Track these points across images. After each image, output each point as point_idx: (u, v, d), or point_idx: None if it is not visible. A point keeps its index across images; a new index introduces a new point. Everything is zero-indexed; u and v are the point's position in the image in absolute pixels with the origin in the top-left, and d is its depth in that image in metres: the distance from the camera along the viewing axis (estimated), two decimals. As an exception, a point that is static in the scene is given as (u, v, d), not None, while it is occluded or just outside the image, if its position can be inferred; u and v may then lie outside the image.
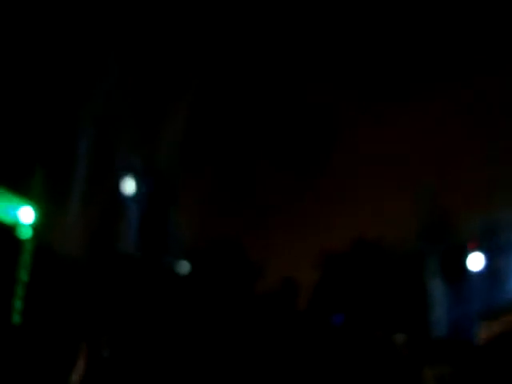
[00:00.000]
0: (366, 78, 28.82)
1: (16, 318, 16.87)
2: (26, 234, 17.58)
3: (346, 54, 29.09)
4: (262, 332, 23.95)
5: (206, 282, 27.66)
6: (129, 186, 24.18)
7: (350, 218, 30.77)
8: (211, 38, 25.95)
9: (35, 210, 17.32)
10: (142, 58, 25.07)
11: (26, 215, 17.33)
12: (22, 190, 17.45)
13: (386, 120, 29.95)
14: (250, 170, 29.27)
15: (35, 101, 22.27)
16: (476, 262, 23.50)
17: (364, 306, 28.69)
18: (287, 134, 29.94)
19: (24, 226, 17.49)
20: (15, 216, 17.43)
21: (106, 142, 23.79)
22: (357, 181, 31.98)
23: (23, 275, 17.72)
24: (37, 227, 17.58)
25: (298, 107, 29.78)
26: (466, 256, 23.82)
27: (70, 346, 7.39)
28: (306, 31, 28.78)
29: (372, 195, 30.91)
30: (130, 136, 24.37)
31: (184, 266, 28.51)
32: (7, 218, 17.71)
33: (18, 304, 17.31)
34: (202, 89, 26.38)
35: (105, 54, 23.71)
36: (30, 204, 17.29)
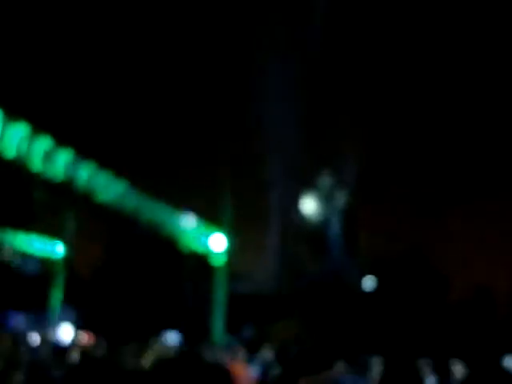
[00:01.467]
0: None
1: (218, 338, 17.42)
2: (218, 261, 18.14)
3: None
4: (453, 341, 22.59)
5: (393, 296, 26.82)
6: (311, 205, 24.18)
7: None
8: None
9: (226, 237, 17.82)
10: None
11: (217, 243, 17.87)
12: (212, 218, 18.10)
13: None
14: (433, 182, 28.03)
15: (223, 135, 23.23)
16: None
17: None
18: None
19: (216, 253, 18.07)
20: (207, 244, 18.09)
21: (288, 164, 24.05)
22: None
23: (219, 299, 18.33)
24: (229, 254, 18.08)
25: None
26: None
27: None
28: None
29: None
30: (315, 155, 24.45)
31: (370, 281, 27.91)
32: (200, 247, 18.48)
33: (218, 325, 17.95)
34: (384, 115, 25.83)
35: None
36: (221, 232, 17.83)
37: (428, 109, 29.43)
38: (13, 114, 11.51)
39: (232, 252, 18.18)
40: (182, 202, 18.22)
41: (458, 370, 9.44)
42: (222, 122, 24.46)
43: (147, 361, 7.65)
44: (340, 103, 26.29)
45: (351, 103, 26.41)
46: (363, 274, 27.42)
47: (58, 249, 20.87)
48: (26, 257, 22.53)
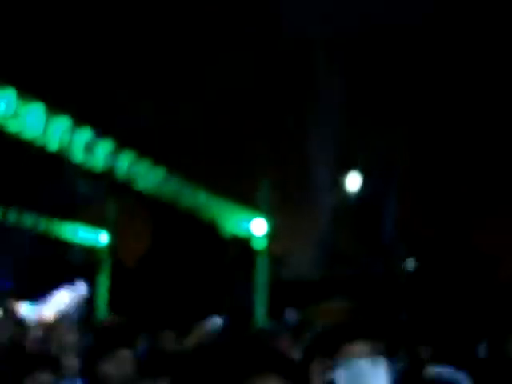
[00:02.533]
0: None
1: (260, 323, 17.55)
2: (259, 245, 18.27)
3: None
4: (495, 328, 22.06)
5: (434, 278, 26.49)
6: (354, 182, 23.71)
7: None
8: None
9: (267, 221, 17.92)
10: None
11: (258, 227, 17.99)
12: (253, 202, 18.19)
13: None
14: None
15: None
16: None
17: None
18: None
19: (257, 237, 18.19)
20: (248, 228, 18.22)
21: (331, 145, 23.68)
22: None
23: (261, 284, 18.46)
24: (269, 238, 18.17)
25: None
26: None
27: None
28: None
29: None
30: (357, 136, 24.00)
31: (410, 264, 27.63)
32: (241, 231, 18.62)
33: (260, 310, 18.09)
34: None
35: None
36: (261, 216, 17.94)
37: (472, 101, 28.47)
38: (54, 108, 11.73)
39: (273, 236, 18.27)
40: (223, 186, 18.36)
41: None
42: (262, 99, 24.05)
43: (189, 342, 7.74)
44: (381, 84, 25.65)
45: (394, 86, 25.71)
46: (406, 256, 27.16)
47: (102, 238, 21.32)
48: (71, 247, 23.10)
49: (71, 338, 6.42)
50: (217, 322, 13.86)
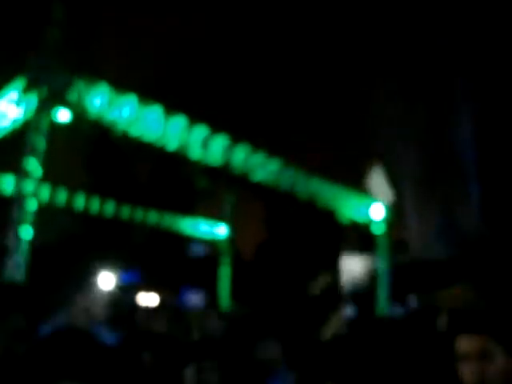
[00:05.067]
0: None
1: (383, 309, 17.32)
2: (379, 229, 18.05)
3: None
4: None
5: None
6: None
7: None
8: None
9: (385, 206, 17.67)
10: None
11: (377, 212, 17.81)
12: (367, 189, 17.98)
13: None
14: None
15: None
16: None
17: None
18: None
19: (376, 222, 17.98)
20: (367, 214, 18.03)
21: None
22: None
23: (382, 269, 18.21)
24: (389, 222, 17.90)
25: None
26: None
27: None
28: None
29: None
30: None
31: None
32: (361, 217, 18.44)
33: (382, 295, 17.83)
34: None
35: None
36: (380, 201, 17.71)
37: None
38: (171, 108, 12.09)
39: (392, 220, 17.99)
40: (339, 173, 18.22)
41: None
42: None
43: (327, 333, 7.73)
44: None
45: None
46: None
47: (221, 230, 21.83)
48: (193, 240, 23.91)
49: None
50: (348, 311, 13.83)
